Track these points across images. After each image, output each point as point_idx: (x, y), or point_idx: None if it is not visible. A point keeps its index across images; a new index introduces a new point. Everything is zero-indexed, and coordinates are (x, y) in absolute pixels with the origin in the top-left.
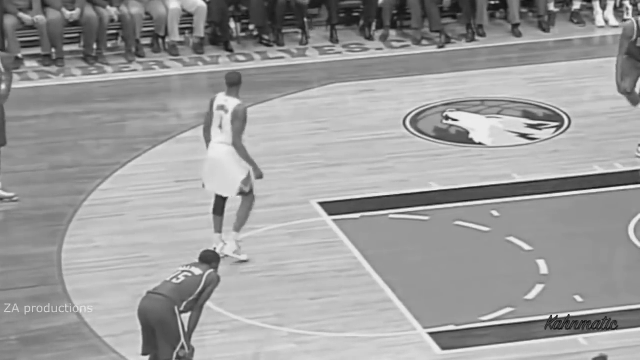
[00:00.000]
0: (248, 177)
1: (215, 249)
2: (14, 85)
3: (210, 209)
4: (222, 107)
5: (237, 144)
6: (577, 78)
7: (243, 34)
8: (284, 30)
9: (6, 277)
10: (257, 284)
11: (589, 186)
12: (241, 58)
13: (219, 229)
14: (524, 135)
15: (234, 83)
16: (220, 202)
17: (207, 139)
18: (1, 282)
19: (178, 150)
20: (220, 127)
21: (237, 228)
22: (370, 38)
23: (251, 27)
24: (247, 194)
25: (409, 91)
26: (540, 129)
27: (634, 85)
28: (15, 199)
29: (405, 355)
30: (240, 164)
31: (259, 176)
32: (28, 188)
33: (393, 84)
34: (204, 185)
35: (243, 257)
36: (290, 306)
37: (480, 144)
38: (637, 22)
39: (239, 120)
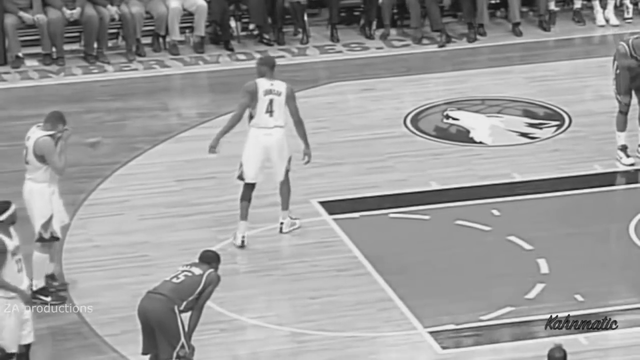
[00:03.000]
0: (290, 157)
1: (243, 237)
2: (14, 85)
3: (210, 207)
4: (270, 92)
5: (301, 120)
6: (578, 77)
7: (243, 33)
8: (284, 29)
9: None
10: (257, 284)
11: (589, 185)
12: (242, 57)
13: (245, 216)
14: (524, 135)
15: (273, 65)
16: (251, 190)
17: (231, 127)
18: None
19: (178, 149)
20: (270, 111)
21: (287, 206)
22: (370, 37)
23: (251, 26)
24: (287, 171)
25: (410, 90)
26: (540, 128)
27: (630, 96)
28: None
29: (405, 355)
30: (288, 147)
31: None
32: None
33: (394, 83)
34: (241, 177)
35: (298, 222)
36: (291, 305)
37: (480, 143)
38: (628, 45)
39: (294, 98)
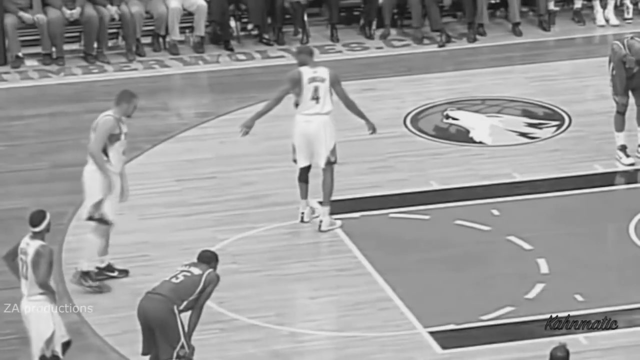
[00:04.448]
0: (334, 147)
1: (303, 214)
2: (14, 85)
3: (210, 207)
4: (314, 79)
5: (351, 100)
6: (578, 77)
7: (243, 33)
8: (284, 29)
9: (6, 277)
10: (257, 283)
11: (589, 185)
12: (241, 57)
13: (304, 195)
14: (524, 134)
15: (312, 52)
16: (306, 172)
17: (267, 110)
18: (1, 282)
19: (178, 149)
20: (316, 98)
21: (327, 201)
22: (370, 37)
23: (249, 26)
24: (332, 164)
25: (410, 90)
26: (540, 128)
27: (627, 97)
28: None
29: (405, 355)
30: (332, 135)
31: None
32: (29, 187)
33: (394, 82)
34: (295, 161)
35: (338, 223)
36: (290, 305)
37: (480, 143)
38: (624, 44)
39: (339, 82)
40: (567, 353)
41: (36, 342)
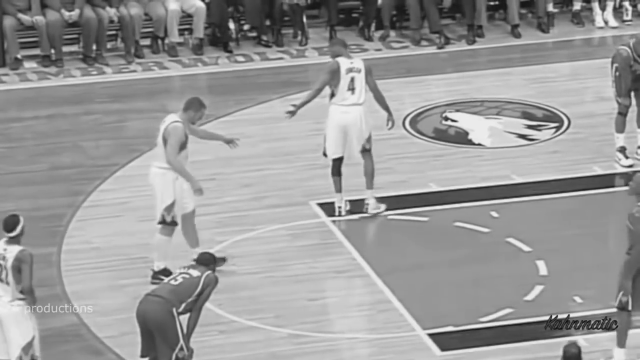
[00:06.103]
0: (370, 135)
1: (340, 207)
2: (13, 87)
3: (210, 209)
4: (351, 69)
5: (381, 93)
6: (578, 79)
7: (241, 35)
8: (283, 31)
9: None
10: (256, 285)
11: (588, 187)
12: (240, 59)
13: (339, 188)
14: (523, 136)
15: (345, 44)
16: (339, 165)
17: (309, 100)
18: None
19: None
20: (352, 89)
21: (371, 185)
22: (369, 39)
23: (246, 27)
24: (369, 150)
25: (409, 92)
26: (539, 130)
27: (630, 99)
28: None
29: (404, 357)
30: (368, 124)
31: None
32: (27, 189)
33: (393, 84)
34: (325, 154)
35: (383, 207)
36: (290, 307)
37: (479, 144)
38: (630, 47)
39: (372, 73)
40: (579, 350)
41: (14, 347)
